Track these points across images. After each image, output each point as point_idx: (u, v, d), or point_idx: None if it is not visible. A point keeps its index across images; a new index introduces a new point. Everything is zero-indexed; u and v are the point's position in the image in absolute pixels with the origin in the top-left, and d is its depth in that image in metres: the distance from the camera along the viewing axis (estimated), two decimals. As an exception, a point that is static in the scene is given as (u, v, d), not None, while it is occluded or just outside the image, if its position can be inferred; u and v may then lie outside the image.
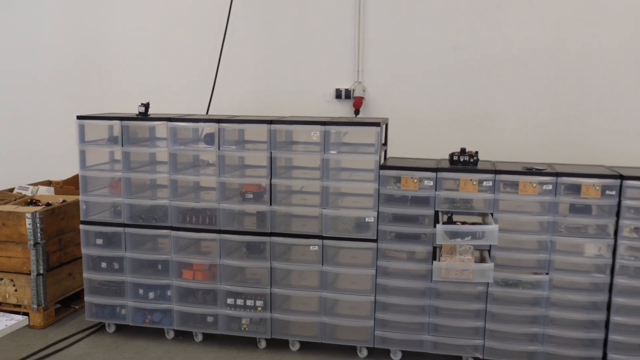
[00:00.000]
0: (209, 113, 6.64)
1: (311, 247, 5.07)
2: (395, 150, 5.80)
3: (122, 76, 7.31)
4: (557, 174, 4.63)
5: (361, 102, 6.63)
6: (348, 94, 6.69)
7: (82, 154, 5.45)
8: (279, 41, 6.82)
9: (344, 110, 6.74)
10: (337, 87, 6.73)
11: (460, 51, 6.34)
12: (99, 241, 5.52)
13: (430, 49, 6.44)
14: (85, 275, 5.55)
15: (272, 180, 5.09)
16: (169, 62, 7.13)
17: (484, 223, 4.76)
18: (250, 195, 5.21)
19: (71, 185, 6.70)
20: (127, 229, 5.40)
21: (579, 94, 6.10)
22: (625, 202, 4.54)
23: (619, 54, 5.99)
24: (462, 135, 6.18)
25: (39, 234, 5.60)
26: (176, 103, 6.72)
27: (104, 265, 5.53)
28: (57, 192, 6.60)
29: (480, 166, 4.86)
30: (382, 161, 5.17)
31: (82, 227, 5.51)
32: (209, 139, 5.26)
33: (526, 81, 6.21)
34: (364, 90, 6.65)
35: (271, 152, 5.05)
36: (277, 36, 6.82)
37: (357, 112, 6.66)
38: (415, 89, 6.52)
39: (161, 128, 5.35)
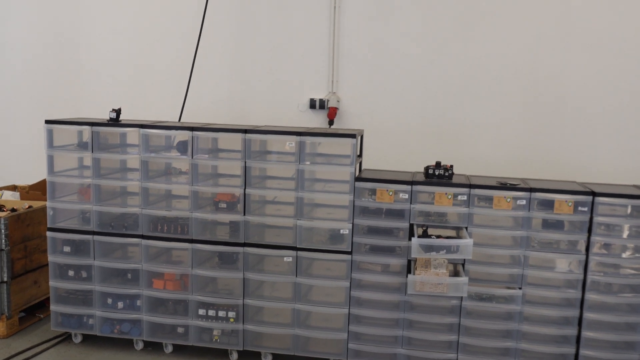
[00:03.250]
0: (182, 120, 6.54)
1: (285, 258, 5.02)
2: (369, 161, 5.79)
3: (94, 81, 7.17)
4: (531, 190, 4.66)
5: (335, 113, 6.60)
6: (322, 104, 6.66)
7: (50, 159, 5.32)
8: (253, 49, 6.76)
9: (318, 120, 6.71)
10: (312, 97, 6.69)
11: (436, 64, 6.37)
12: (67, 249, 5.39)
13: (406, 62, 6.45)
14: (52, 283, 5.41)
15: (247, 190, 5.02)
16: (143, 68, 7.01)
17: (459, 237, 4.78)
18: (224, 205, 5.13)
19: (38, 190, 6.53)
20: (96, 237, 5.28)
21: (552, 111, 6.18)
22: (597, 219, 4.60)
23: (592, 72, 6.09)
24: (437, 148, 6.20)
25: (3, 241, 5.43)
26: (149, 109, 6.61)
27: (71, 273, 5.39)
28: (22, 198, 6.42)
29: (455, 180, 4.87)
30: (357, 173, 5.14)
31: (49, 234, 5.37)
32: (182, 146, 5.17)
33: (501, 97, 6.27)
34: (338, 101, 6.63)
35: (245, 162, 4.99)
36: (252, 44, 6.76)
37: (331, 122, 6.64)
38: (390, 101, 6.52)
39: (133, 134, 5.24)
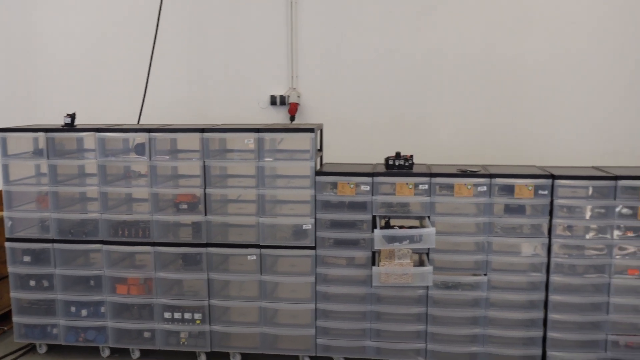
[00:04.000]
0: (141, 122, 6.43)
1: (249, 256, 4.96)
2: (332, 155, 5.74)
3: (50, 85, 6.99)
4: (491, 176, 4.65)
5: (296, 108, 6.55)
6: (283, 100, 6.59)
7: (5, 168, 5.19)
8: (210, 47, 6.66)
9: (279, 116, 6.65)
10: (272, 94, 6.62)
11: (394, 55, 6.34)
12: (27, 258, 5.27)
13: (364, 53, 6.41)
14: (13, 294, 5.29)
15: (207, 189, 4.95)
16: (98, 70, 6.86)
17: (422, 226, 4.76)
18: (185, 206, 5.06)
19: (-5, 200, 6.37)
20: (56, 245, 5.18)
21: (510, 97, 6.19)
22: (558, 201, 4.60)
23: (549, 56, 6.10)
24: (398, 138, 6.18)
25: (-39, 253, 5.31)
26: (107, 113, 6.49)
27: (32, 283, 5.28)
28: (-20, 209, 6.27)
29: (415, 170, 4.84)
30: (319, 167, 5.10)
31: (7, 244, 5.25)
32: (140, 149, 5.08)
33: (460, 84, 6.26)
34: (298, 97, 6.57)
35: (204, 161, 4.92)
36: (209, 42, 6.66)
37: (292, 118, 6.58)
38: (350, 94, 6.48)
39: (89, 139, 5.14)
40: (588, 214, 4.66)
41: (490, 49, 6.17)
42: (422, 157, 5.33)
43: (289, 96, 6.59)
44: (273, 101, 6.63)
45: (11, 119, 6.16)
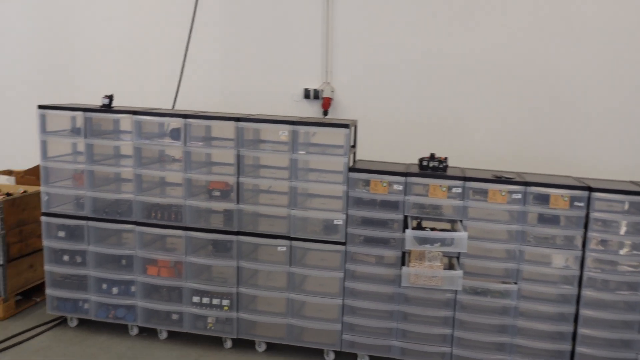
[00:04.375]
0: (176, 108, 6.45)
1: (279, 247, 4.98)
2: (363, 152, 5.69)
3: (88, 67, 7.08)
4: (526, 184, 4.56)
5: (329, 103, 6.50)
6: (316, 95, 6.55)
7: (44, 145, 5.27)
8: (247, 39, 6.63)
9: (312, 110, 6.61)
10: (306, 87, 6.58)
11: (432, 55, 6.22)
12: (61, 234, 5.37)
13: (401, 53, 6.30)
14: (47, 267, 5.41)
15: (240, 178, 4.96)
16: (137, 54, 6.90)
17: (453, 230, 4.71)
18: (217, 193, 5.08)
19: (33, 175, 6.50)
20: (90, 223, 5.26)
21: (550, 104, 6.04)
22: (593, 214, 4.50)
23: (591, 65, 5.94)
24: (431, 140, 6.09)
25: (-1, 225, 5.44)
26: (142, 97, 6.50)
27: (66, 258, 5.39)
28: (18, 182, 6.40)
29: (449, 172, 4.77)
30: (352, 163, 5.06)
31: (43, 218, 5.35)
32: (175, 134, 5.10)
33: (498, 89, 6.13)
34: (332, 91, 6.52)
35: (238, 150, 4.91)
36: (246, 33, 6.63)
37: (325, 112, 6.54)
38: (385, 92, 6.40)
39: (126, 121, 5.18)
40: (623, 229, 4.55)
41: (530, 55, 6.03)
42: (454, 160, 5.26)
43: (322, 90, 6.54)
44: (307, 95, 6.60)
45: (53, 98, 6.22)
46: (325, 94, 6.46)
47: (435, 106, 6.25)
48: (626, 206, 4.54)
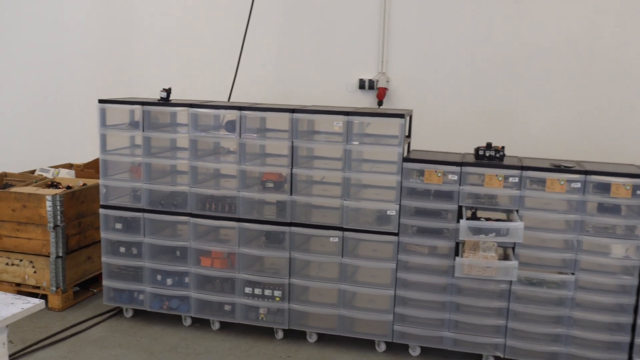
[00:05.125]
0: (231, 100, 6.56)
1: (331, 238, 5.00)
2: (419, 142, 5.69)
3: (146, 61, 7.25)
4: (586, 172, 4.49)
5: (384, 93, 6.50)
6: (371, 85, 6.56)
7: (103, 138, 5.42)
8: (303, 30, 6.70)
9: (367, 101, 6.63)
10: (361, 77, 6.60)
11: (489, 44, 6.18)
12: (118, 226, 5.50)
13: (458, 41, 6.28)
14: (104, 259, 5.54)
15: (293, 169, 5.01)
16: (193, 48, 7.04)
17: (509, 220, 4.66)
18: (271, 185, 5.14)
19: (92, 168, 6.69)
20: (146, 215, 5.38)
21: (610, 90, 5.91)
22: (657, 203, 4.40)
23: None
24: (488, 130, 6.02)
25: (58, 217, 5.59)
26: (199, 89, 6.66)
27: (122, 250, 5.51)
28: (77, 175, 6.59)
29: (506, 162, 4.74)
30: (406, 154, 5.06)
31: (101, 211, 5.49)
32: (230, 126, 5.19)
33: (556, 75, 6.03)
34: (387, 82, 6.52)
35: (292, 142, 4.97)
36: (301, 24, 6.70)
37: (380, 103, 6.55)
38: (440, 82, 6.37)
39: (182, 114, 5.29)
40: (688, 219, 4.44)
41: (589, 37, 5.90)
42: (512, 150, 5.21)
43: (377, 80, 6.55)
44: (361, 85, 6.61)
45: (112, 92, 6.40)
46: (381, 84, 6.47)
47: (493, 95, 6.19)
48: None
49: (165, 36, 7.13)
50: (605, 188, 4.48)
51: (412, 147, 5.40)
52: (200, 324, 5.48)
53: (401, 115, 4.76)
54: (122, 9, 7.27)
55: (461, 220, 4.51)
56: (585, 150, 5.73)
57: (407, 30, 6.42)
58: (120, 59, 7.34)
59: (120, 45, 7.33)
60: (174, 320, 5.52)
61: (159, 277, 5.44)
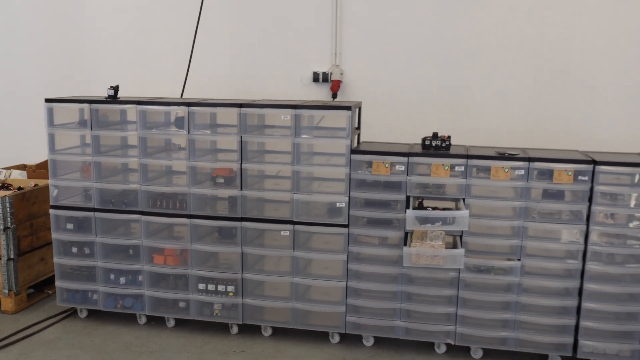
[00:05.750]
0: (184, 96, 6.53)
1: (282, 232, 5.01)
2: (375, 134, 5.72)
3: (98, 59, 7.17)
4: (530, 159, 4.56)
5: (339, 86, 6.52)
6: (325, 78, 6.58)
7: (51, 138, 5.35)
8: (254, 23, 6.68)
9: (321, 93, 6.64)
10: (315, 70, 6.61)
11: (440, 34, 6.23)
12: (70, 226, 5.44)
13: (410, 32, 6.32)
14: (56, 260, 5.48)
15: (243, 164, 5.00)
16: (145, 45, 6.99)
17: (457, 209, 4.70)
18: (221, 180, 5.13)
19: (44, 169, 6.59)
20: (97, 214, 5.33)
21: (559, 78, 6.01)
22: (598, 188, 4.48)
23: (601, 37, 5.90)
24: (442, 119, 6.09)
25: (9, 219, 5.51)
26: (152, 87, 6.60)
27: (74, 250, 5.46)
28: (29, 176, 6.51)
29: (452, 151, 4.78)
30: (356, 145, 5.09)
31: (52, 211, 5.42)
32: (180, 122, 5.16)
33: (506, 65, 6.12)
34: (341, 74, 6.54)
35: (241, 136, 4.96)
36: (253, 18, 6.69)
37: (334, 95, 6.56)
38: (394, 73, 6.41)
39: (132, 111, 5.25)
40: (629, 202, 4.52)
41: (538, 28, 6.00)
42: (465, 139, 5.28)
43: (331, 73, 6.57)
44: (316, 78, 6.62)
45: (61, 91, 6.32)
46: (335, 77, 6.48)
47: (445, 84, 6.25)
48: (632, 179, 4.49)
49: (119, 33, 7.05)
50: (548, 174, 4.55)
51: (366, 139, 5.42)
52: (156, 321, 5.45)
53: (348, 108, 4.78)
54: (72, 5, 7.17)
55: (407, 210, 4.55)
56: (535, 138, 5.81)
57: (360, 22, 6.44)
58: (74, 57, 7.24)
59: (72, 42, 7.23)
60: (129, 319, 5.48)
61: (112, 277, 5.39)
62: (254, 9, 6.67)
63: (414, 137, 5.33)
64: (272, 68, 6.70)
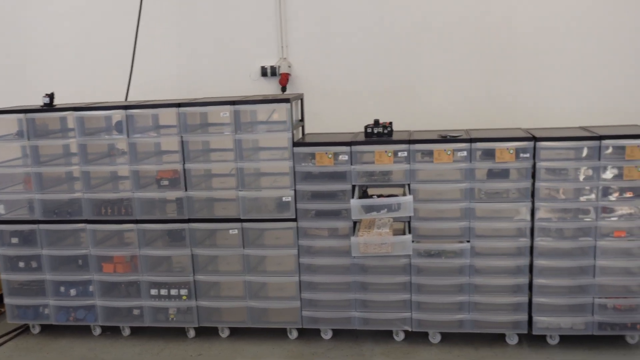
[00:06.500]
0: (129, 99, 6.38)
1: (230, 231, 4.93)
2: (326, 124, 5.65)
3: (39, 67, 6.95)
4: (471, 140, 4.53)
5: (287, 79, 6.43)
6: (274, 71, 6.48)
7: (-12, 151, 5.20)
8: (198, 20, 6.53)
9: (270, 88, 6.54)
10: (263, 65, 6.52)
11: (385, 22, 6.17)
12: (15, 240, 5.30)
13: (354, 21, 6.24)
14: (3, 276, 5.34)
15: (186, 165, 4.91)
16: (87, 49, 6.78)
17: (404, 195, 4.66)
18: (166, 182, 5.02)
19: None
20: (42, 226, 5.19)
21: (503, 58, 5.97)
22: (540, 164, 4.47)
23: (541, 18, 5.89)
24: (392, 106, 6.02)
25: (-49, 238, 5.35)
26: (97, 92, 6.43)
27: (21, 264, 5.31)
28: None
29: (395, 137, 4.74)
30: (300, 138, 5.02)
31: (-5, 226, 5.28)
32: (120, 126, 5.04)
33: (451, 47, 6.06)
34: (289, 67, 6.45)
35: (182, 136, 4.86)
36: (197, 15, 6.54)
37: (284, 89, 6.47)
38: (341, 62, 6.33)
39: (72, 119, 5.10)
40: (572, 176, 4.51)
41: (478, 10, 5.97)
42: (413, 123, 5.22)
43: (279, 67, 6.47)
44: (264, 72, 6.52)
45: (5, 101, 6.12)
46: (283, 70, 6.38)
47: (392, 72, 6.17)
48: (574, 153, 4.49)
49: (57, 39, 6.84)
50: (491, 154, 4.53)
51: (316, 130, 5.35)
52: (111, 331, 5.34)
53: (286, 100, 4.71)
54: (9, 12, 6.95)
55: (351, 200, 4.49)
56: (481, 119, 5.78)
57: (305, 13, 6.34)
58: (14, 64, 7.00)
59: (12, 49, 6.99)
60: (83, 331, 5.36)
61: (62, 289, 5.26)
62: (197, 5, 6.53)
63: (365, 123, 5.26)
64: (220, 64, 6.56)
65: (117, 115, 5.05)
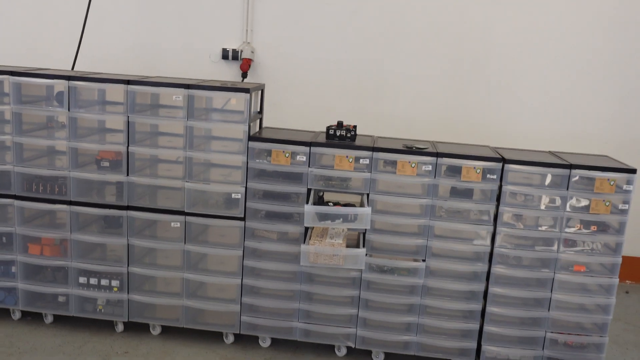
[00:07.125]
0: (76, 69, 5.91)
1: (172, 223, 4.57)
2: (286, 117, 5.37)
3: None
4: (438, 154, 4.27)
5: (249, 65, 6.07)
6: (235, 55, 6.12)
7: None
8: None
9: (230, 72, 6.18)
10: (224, 47, 6.14)
11: (358, 16, 5.88)
12: None
13: (325, 13, 5.94)
14: None
15: (130, 147, 4.52)
16: (42, 15, 6.29)
17: (361, 204, 4.38)
18: (107, 164, 4.63)
19: None
20: (-37, 198, 4.73)
21: (476, 68, 5.81)
22: (507, 187, 4.24)
23: (517, 33, 5.74)
24: (357, 104, 5.80)
25: None
26: (40, 55, 5.97)
27: (-63, 238, 4.85)
28: None
29: (359, 142, 4.44)
30: (256, 131, 4.68)
31: None
32: (61, 97, 4.61)
33: (424, 52, 5.85)
34: (252, 52, 6.09)
35: (128, 116, 4.47)
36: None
37: (244, 75, 6.12)
38: (308, 54, 6.04)
39: (8, 83, 4.64)
40: (537, 203, 4.31)
41: (457, 16, 5.78)
42: (378, 126, 4.98)
43: (242, 51, 6.12)
44: (225, 55, 6.16)
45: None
46: (245, 55, 6.02)
47: (361, 68, 5.92)
48: (542, 179, 4.29)
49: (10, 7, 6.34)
50: (457, 171, 4.28)
51: (275, 123, 5.03)
52: (32, 317, 4.93)
53: (246, 90, 4.36)
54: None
55: (306, 206, 4.19)
56: (449, 129, 5.61)
57: (273, -1, 6.01)
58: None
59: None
60: (2, 314, 4.93)
61: (-19, 268, 4.83)
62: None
63: (326, 122, 4.96)
64: (180, 43, 6.19)
65: (60, 85, 4.61)
